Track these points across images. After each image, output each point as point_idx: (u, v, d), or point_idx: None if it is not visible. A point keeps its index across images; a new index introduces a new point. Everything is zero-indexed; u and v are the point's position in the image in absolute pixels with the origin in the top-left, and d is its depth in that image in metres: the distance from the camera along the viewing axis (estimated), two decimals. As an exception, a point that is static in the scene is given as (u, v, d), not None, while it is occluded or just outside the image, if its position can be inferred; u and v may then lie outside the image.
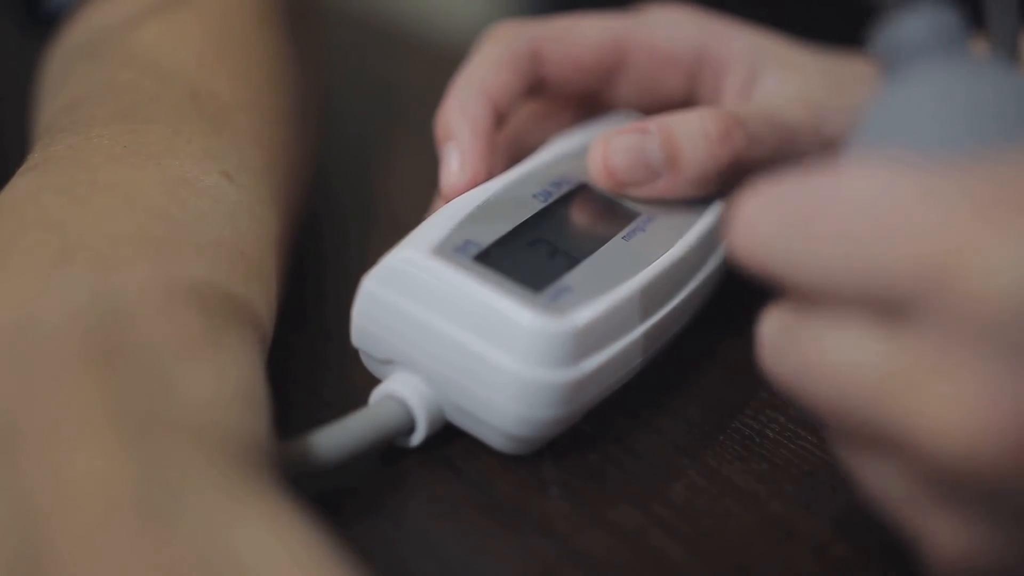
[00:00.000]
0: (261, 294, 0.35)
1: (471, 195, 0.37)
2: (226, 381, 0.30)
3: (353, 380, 0.37)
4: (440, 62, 0.50)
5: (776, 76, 0.42)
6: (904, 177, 0.25)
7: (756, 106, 0.40)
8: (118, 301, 0.30)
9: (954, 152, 0.26)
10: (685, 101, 0.44)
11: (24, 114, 0.44)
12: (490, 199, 0.37)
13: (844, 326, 0.26)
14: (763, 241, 0.27)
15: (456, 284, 0.33)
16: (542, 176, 0.38)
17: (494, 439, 0.34)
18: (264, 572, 0.25)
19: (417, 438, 0.34)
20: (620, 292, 0.34)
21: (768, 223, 0.26)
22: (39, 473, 0.26)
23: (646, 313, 0.36)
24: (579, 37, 0.42)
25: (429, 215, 0.37)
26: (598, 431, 0.36)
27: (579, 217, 0.38)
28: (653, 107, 0.43)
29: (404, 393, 0.34)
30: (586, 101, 0.44)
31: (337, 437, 0.33)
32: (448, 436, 0.35)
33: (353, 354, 0.36)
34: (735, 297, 0.41)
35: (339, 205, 0.49)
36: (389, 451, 0.35)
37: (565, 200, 0.38)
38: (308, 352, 0.39)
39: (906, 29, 0.28)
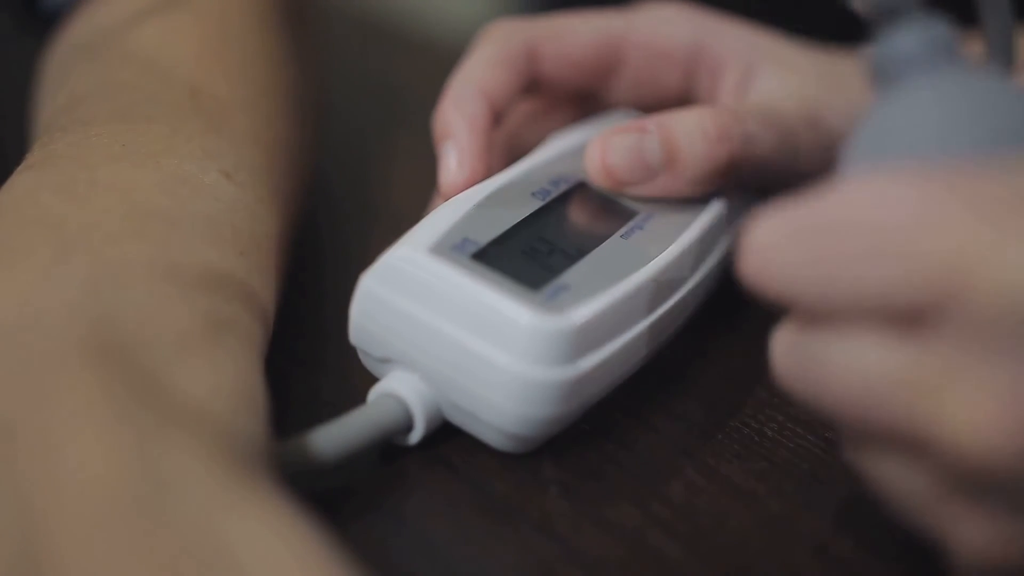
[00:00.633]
0: (262, 287, 0.35)
1: (469, 193, 0.37)
2: (224, 380, 0.30)
3: (351, 378, 0.37)
4: (439, 60, 0.50)
5: (773, 74, 0.42)
6: (909, 188, 0.25)
7: (754, 104, 0.40)
8: (116, 299, 0.30)
9: (952, 161, 0.26)
10: (682, 98, 0.44)
11: (23, 113, 0.44)
12: (488, 197, 0.37)
13: (861, 339, 0.26)
14: (777, 267, 0.27)
15: (454, 282, 0.33)
16: (540, 174, 0.38)
17: (492, 438, 0.34)
18: (262, 570, 0.25)
19: (415, 436, 0.34)
20: (618, 290, 0.34)
21: (781, 249, 0.27)
22: (37, 471, 0.26)
23: (644, 311, 0.36)
24: (575, 35, 0.42)
25: (428, 213, 0.37)
26: (597, 430, 0.36)
27: (577, 215, 0.38)
28: (650, 105, 0.43)
29: (402, 391, 0.34)
30: (583, 99, 0.44)
31: (335, 435, 0.33)
32: (446, 435, 0.35)
33: (351, 352, 0.36)
34: (734, 295, 0.41)
35: (338, 204, 0.49)
36: (387, 449, 0.35)
37: (563, 198, 0.38)
38: (306, 350, 0.39)
39: (897, 44, 0.28)
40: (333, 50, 0.60)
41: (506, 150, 0.42)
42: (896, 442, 0.27)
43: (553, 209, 0.37)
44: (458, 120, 0.39)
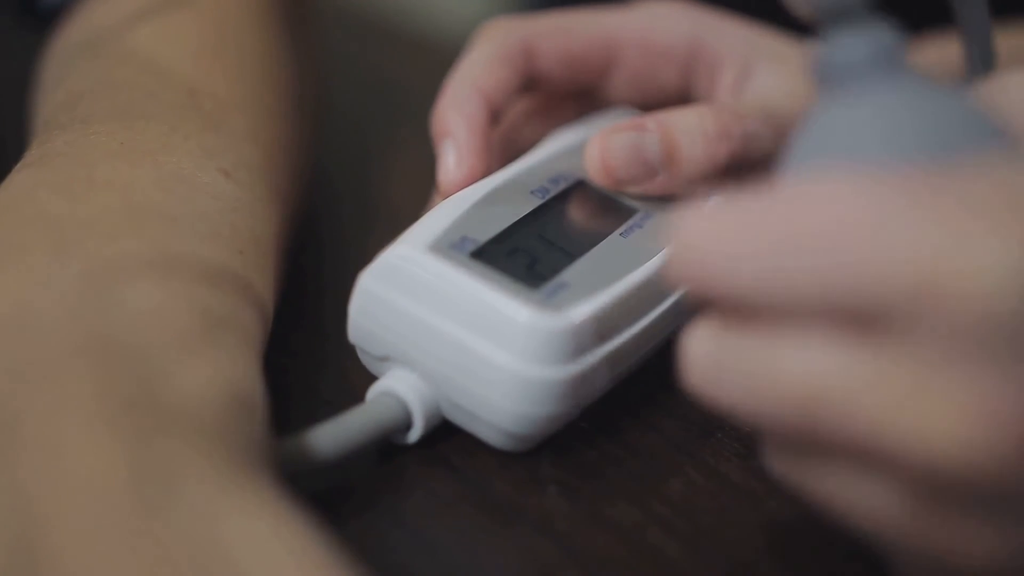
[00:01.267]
0: (261, 285, 0.35)
1: (468, 192, 0.37)
2: (222, 378, 0.30)
3: (350, 377, 0.37)
4: (438, 59, 0.50)
5: (771, 71, 0.42)
6: (865, 187, 0.24)
7: (753, 102, 0.40)
8: (115, 297, 0.30)
9: (899, 166, 0.26)
10: (680, 96, 0.44)
11: (22, 110, 0.44)
12: (487, 196, 0.37)
13: (808, 341, 0.25)
14: (734, 264, 0.25)
15: (453, 281, 0.33)
16: (539, 173, 0.38)
17: (491, 436, 0.34)
18: (260, 569, 0.25)
19: (414, 435, 0.34)
20: (617, 289, 0.34)
21: (740, 245, 0.25)
22: (35, 469, 0.26)
23: (643, 310, 0.35)
24: (572, 32, 0.42)
25: (427, 212, 0.37)
26: (596, 428, 0.36)
27: (576, 214, 0.38)
28: (648, 102, 0.43)
29: (401, 390, 0.34)
30: (580, 97, 0.44)
31: (334, 434, 0.33)
32: (445, 433, 0.35)
33: (350, 351, 0.36)
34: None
35: (337, 202, 0.49)
36: (386, 448, 0.35)
37: (562, 197, 0.38)
38: (305, 349, 0.39)
39: (843, 48, 0.28)
40: (332, 48, 0.60)
41: (504, 148, 0.42)
42: (849, 453, 0.25)
43: (552, 207, 0.37)
44: (456, 119, 0.39)
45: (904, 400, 0.24)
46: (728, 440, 0.36)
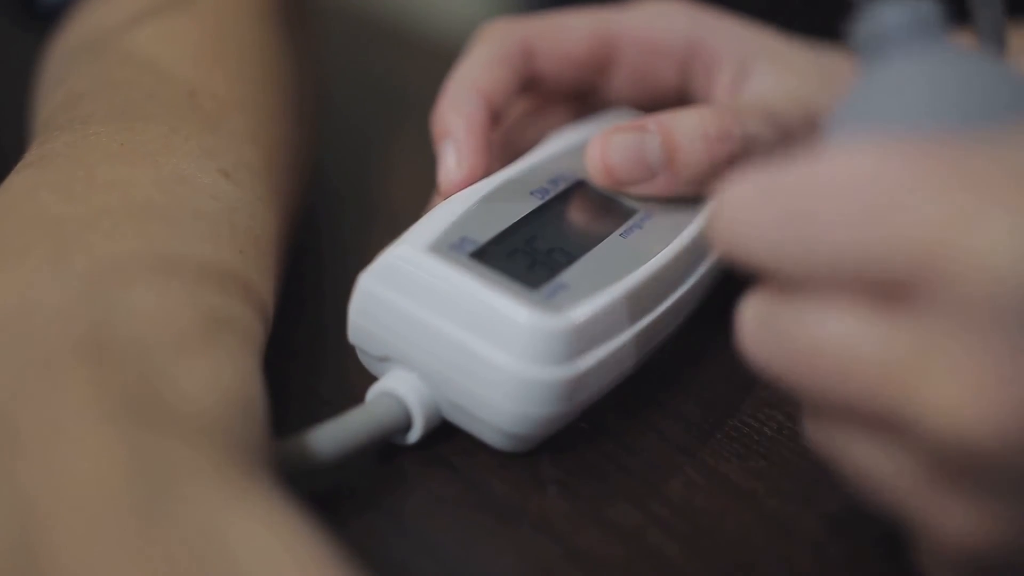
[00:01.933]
0: (261, 285, 0.35)
1: (468, 192, 0.37)
2: (222, 378, 0.30)
3: (350, 377, 0.37)
4: (438, 59, 0.50)
5: (769, 70, 0.41)
6: (894, 157, 0.25)
7: (753, 103, 0.40)
8: (115, 298, 0.30)
9: (937, 133, 0.26)
10: (678, 94, 0.44)
11: (22, 110, 0.44)
12: (487, 196, 0.37)
13: (838, 311, 0.25)
14: (753, 231, 0.26)
15: (452, 281, 0.33)
16: (539, 173, 0.38)
17: (491, 437, 0.34)
18: (260, 569, 0.25)
19: (414, 436, 0.34)
20: (617, 289, 0.34)
21: (757, 212, 0.26)
22: (35, 469, 0.26)
23: (643, 310, 0.35)
24: (570, 32, 0.42)
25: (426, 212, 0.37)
26: (596, 429, 0.36)
27: (576, 214, 0.38)
28: (646, 100, 0.43)
29: (401, 390, 0.34)
30: (579, 97, 0.44)
31: (334, 435, 0.33)
32: (445, 434, 0.35)
33: (350, 351, 0.36)
34: (732, 294, 0.41)
35: (337, 203, 0.49)
36: (386, 449, 0.35)
37: (562, 197, 0.38)
38: (305, 349, 0.39)
39: (884, 19, 0.28)
40: (332, 49, 0.60)
41: (504, 149, 0.42)
42: (870, 422, 0.26)
43: (552, 208, 0.37)
44: (456, 119, 0.39)
45: (918, 370, 0.24)
46: (728, 441, 0.36)
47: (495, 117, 0.40)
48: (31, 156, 0.35)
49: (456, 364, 0.33)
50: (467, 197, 0.36)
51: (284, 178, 0.40)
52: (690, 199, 0.39)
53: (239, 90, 0.40)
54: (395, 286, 0.34)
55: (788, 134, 0.39)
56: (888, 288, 0.24)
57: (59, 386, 0.27)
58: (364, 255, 0.36)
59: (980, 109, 0.27)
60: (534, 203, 0.37)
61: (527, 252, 0.35)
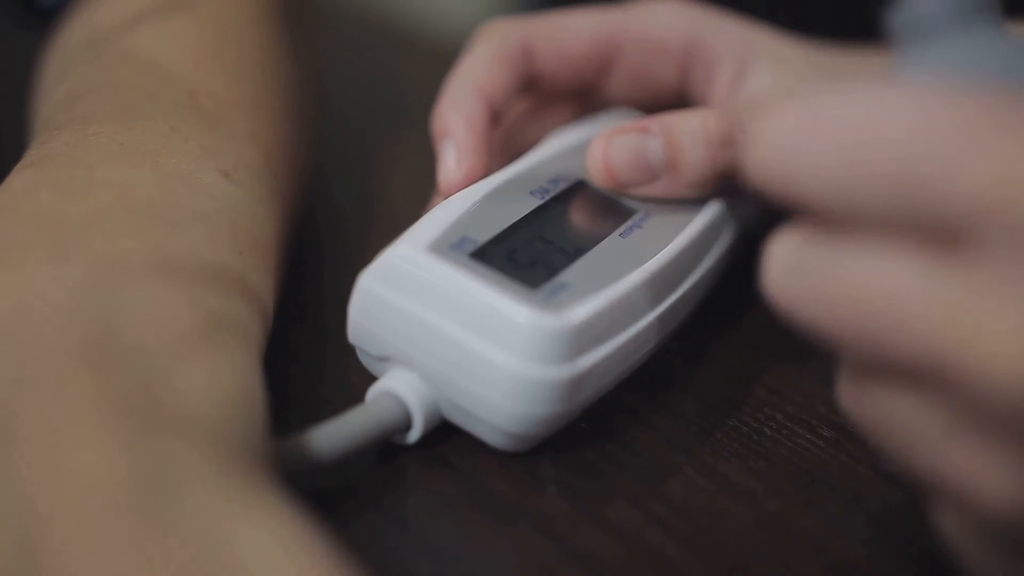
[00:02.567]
0: (261, 285, 0.35)
1: (468, 192, 0.37)
2: (222, 379, 0.30)
3: (350, 377, 0.37)
4: (438, 59, 0.50)
5: (768, 70, 0.42)
6: (960, 101, 0.24)
7: (754, 104, 0.40)
8: (115, 298, 0.30)
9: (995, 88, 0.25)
10: (678, 93, 0.44)
11: (22, 110, 0.44)
12: (487, 196, 0.37)
13: (886, 251, 0.24)
14: (806, 158, 0.25)
15: (452, 281, 0.33)
16: (539, 173, 0.38)
17: (491, 436, 0.34)
18: (260, 569, 0.25)
19: (414, 435, 0.34)
20: (617, 289, 0.34)
21: (812, 138, 0.25)
22: (35, 469, 0.26)
23: (643, 310, 0.35)
24: (570, 31, 0.42)
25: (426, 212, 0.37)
26: (595, 428, 0.36)
27: (576, 214, 0.38)
28: (646, 100, 0.43)
29: (401, 390, 0.34)
30: (579, 96, 0.44)
31: (334, 434, 0.33)
32: (445, 433, 0.35)
33: (350, 351, 0.36)
34: (732, 294, 0.41)
35: (337, 202, 0.49)
36: (386, 448, 0.35)
37: (562, 197, 0.38)
38: (305, 349, 0.39)
39: (924, 3, 0.28)
40: (332, 49, 0.60)
41: (504, 148, 0.42)
42: (910, 373, 0.25)
43: (552, 208, 0.37)
44: (456, 118, 0.39)
45: (972, 318, 0.23)
46: (727, 440, 0.36)
47: (495, 117, 0.40)
48: (31, 156, 0.35)
49: (456, 364, 0.33)
50: (467, 197, 0.37)
51: (284, 178, 0.40)
52: (690, 199, 0.39)
53: (239, 90, 0.40)
54: (395, 286, 0.34)
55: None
56: (945, 232, 0.24)
57: (59, 386, 0.27)
58: (364, 255, 0.36)
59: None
60: (534, 203, 0.37)
61: (527, 252, 0.35)
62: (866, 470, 0.35)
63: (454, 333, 0.33)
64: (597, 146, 0.38)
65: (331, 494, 0.33)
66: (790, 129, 0.25)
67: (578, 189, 0.38)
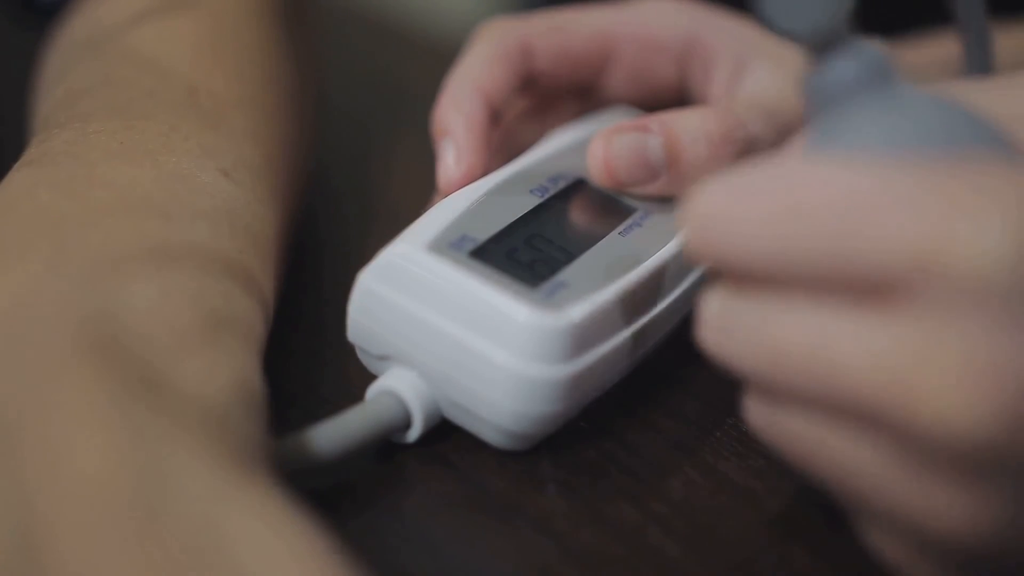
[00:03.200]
0: (261, 284, 0.35)
1: (468, 191, 0.37)
2: (222, 376, 0.30)
3: (349, 376, 0.37)
4: (438, 58, 0.50)
5: (766, 68, 0.42)
6: (874, 165, 0.25)
7: (749, 100, 0.40)
8: (114, 296, 0.30)
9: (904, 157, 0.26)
10: (676, 91, 0.44)
11: (22, 108, 0.44)
12: (486, 194, 0.37)
13: (818, 307, 0.26)
14: (735, 227, 0.26)
15: (452, 279, 0.33)
16: (539, 172, 0.38)
17: (490, 435, 0.34)
18: (260, 568, 0.25)
19: (413, 434, 0.34)
20: (616, 288, 0.34)
21: (741, 209, 0.26)
22: (36, 466, 0.26)
23: (642, 308, 0.35)
24: (569, 30, 0.42)
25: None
26: (595, 427, 0.36)
27: (576, 213, 0.38)
28: (645, 98, 0.43)
29: (400, 389, 0.34)
30: (578, 95, 0.44)
31: (333, 433, 0.33)
32: (444, 432, 0.35)
33: (350, 350, 0.36)
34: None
35: (337, 201, 0.49)
36: (385, 447, 0.35)
37: (562, 196, 0.38)
38: (305, 348, 0.39)
39: (834, 72, 0.28)
40: (332, 47, 0.60)
41: (503, 147, 0.42)
42: (835, 413, 0.26)
43: (551, 206, 0.37)
44: (455, 117, 0.39)
45: (904, 364, 0.24)
46: (727, 439, 0.36)
47: (495, 116, 0.40)
48: (31, 154, 0.35)
49: (455, 362, 0.33)
50: (466, 195, 0.37)
51: (284, 177, 0.40)
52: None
53: (239, 89, 0.40)
54: (395, 284, 0.34)
55: (786, 133, 0.39)
56: (874, 286, 0.25)
57: (59, 383, 0.27)
58: (364, 254, 0.36)
59: (941, 145, 0.27)
60: (533, 201, 0.37)
61: (526, 250, 0.35)
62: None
63: (453, 332, 0.33)
64: (597, 144, 0.38)
65: (331, 492, 0.33)
66: (720, 201, 0.27)
67: (578, 187, 0.38)
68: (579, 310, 0.33)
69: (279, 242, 0.38)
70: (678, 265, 0.37)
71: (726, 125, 0.38)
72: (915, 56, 0.46)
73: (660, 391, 0.38)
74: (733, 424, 0.37)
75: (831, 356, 0.25)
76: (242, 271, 0.34)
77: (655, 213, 0.38)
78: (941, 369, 0.24)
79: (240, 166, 0.37)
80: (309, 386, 0.38)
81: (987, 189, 0.25)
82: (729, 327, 0.28)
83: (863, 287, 0.25)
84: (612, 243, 0.36)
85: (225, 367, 0.30)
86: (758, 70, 0.42)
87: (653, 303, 0.36)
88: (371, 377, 0.36)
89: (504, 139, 0.43)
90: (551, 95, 0.44)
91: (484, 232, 0.35)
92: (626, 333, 0.35)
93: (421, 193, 0.42)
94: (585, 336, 0.33)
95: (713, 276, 0.28)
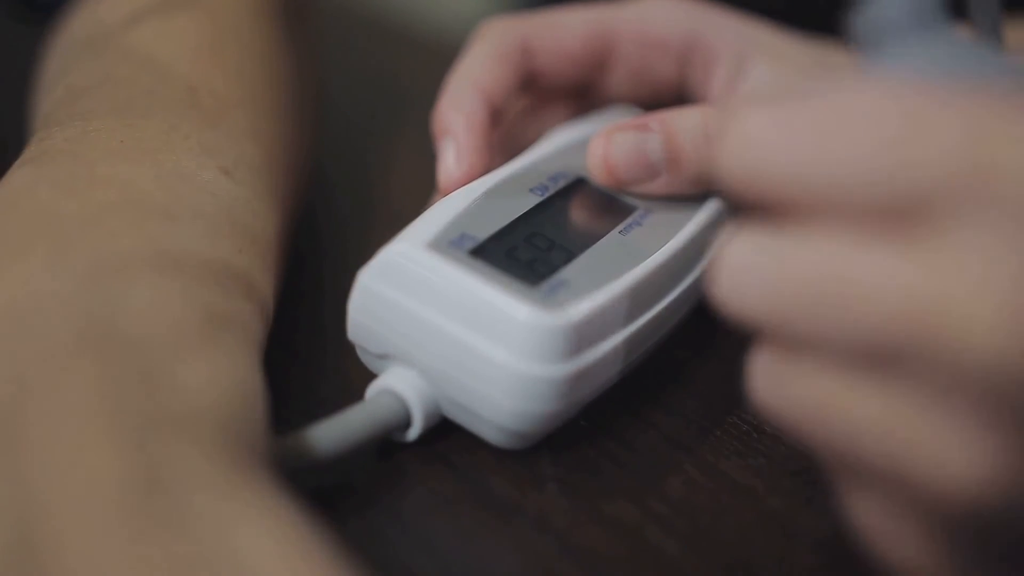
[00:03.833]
0: (261, 283, 0.35)
1: (468, 189, 0.37)
2: (222, 375, 0.30)
3: (349, 375, 0.37)
4: (439, 57, 0.50)
5: (768, 67, 0.42)
6: (917, 87, 0.24)
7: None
8: (115, 295, 0.30)
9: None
10: (676, 90, 0.44)
11: (22, 106, 0.44)
12: (486, 193, 0.37)
13: (849, 240, 0.24)
14: (767, 154, 0.25)
15: (452, 278, 0.33)
16: (539, 170, 0.38)
17: (490, 434, 0.34)
18: (260, 566, 0.25)
19: (413, 433, 0.34)
20: (617, 286, 0.34)
21: (774, 135, 0.25)
22: (37, 466, 0.26)
23: (643, 307, 0.35)
24: (569, 29, 0.42)
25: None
26: (595, 426, 0.36)
27: (576, 211, 0.38)
28: (645, 97, 0.43)
29: (400, 388, 0.34)
30: (578, 94, 0.44)
31: (333, 432, 0.33)
32: (444, 431, 0.35)
33: (349, 349, 0.36)
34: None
35: (337, 200, 0.49)
36: (385, 446, 0.35)
37: (562, 194, 0.38)
38: (305, 347, 0.39)
39: (884, 8, 0.28)
40: (332, 47, 0.60)
41: (503, 146, 0.42)
42: (875, 361, 0.25)
43: (551, 205, 0.37)
44: (456, 116, 0.39)
45: (943, 289, 0.23)
46: (727, 438, 0.36)
47: (495, 115, 0.40)
48: (30, 152, 0.35)
49: (455, 361, 0.33)
50: (466, 194, 0.36)
51: (284, 176, 0.40)
52: (690, 196, 0.39)
53: (239, 88, 0.40)
54: (394, 283, 0.34)
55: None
56: (907, 214, 0.24)
57: (60, 382, 0.27)
58: (364, 253, 0.36)
59: (988, 80, 0.27)
60: (533, 200, 0.37)
61: (526, 249, 0.35)
62: (866, 468, 0.35)
63: (453, 330, 0.33)
64: (597, 143, 0.38)
65: (330, 491, 0.33)
66: (762, 121, 0.25)
67: (578, 186, 0.38)
68: (579, 309, 0.33)
69: (279, 241, 0.38)
70: (679, 263, 0.37)
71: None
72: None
73: (660, 389, 0.38)
74: (733, 423, 0.37)
75: (855, 288, 0.24)
76: (242, 271, 0.34)
77: (655, 212, 0.38)
78: (981, 290, 0.23)
79: (240, 165, 0.37)
80: (309, 385, 0.38)
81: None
82: (751, 266, 0.26)
83: (900, 207, 0.24)
84: (612, 242, 0.36)
85: (225, 367, 0.30)
86: (758, 68, 0.42)
87: (653, 302, 0.36)
88: (371, 376, 0.36)
89: (504, 138, 0.43)
90: (551, 95, 0.44)
91: (484, 231, 0.35)
92: (626, 332, 0.35)
93: (421, 193, 0.42)
94: (585, 335, 0.33)
95: (742, 222, 0.27)
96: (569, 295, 0.33)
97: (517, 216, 0.36)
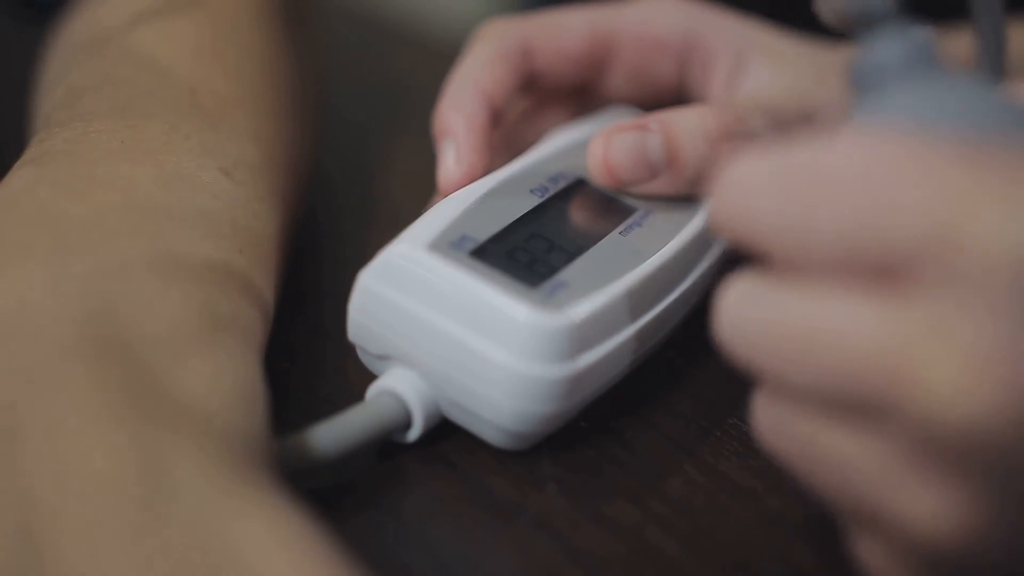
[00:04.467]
0: (261, 283, 0.35)
1: (468, 190, 0.37)
2: (223, 376, 0.30)
3: (350, 376, 0.37)
4: (439, 58, 0.50)
5: (765, 66, 0.42)
6: (898, 142, 0.25)
7: (754, 101, 0.40)
8: (115, 295, 0.30)
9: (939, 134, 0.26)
10: (676, 90, 0.44)
11: (22, 107, 0.44)
12: (487, 194, 0.37)
13: (833, 293, 0.25)
14: (759, 205, 0.26)
15: (452, 279, 0.33)
16: (539, 171, 0.38)
17: (491, 435, 0.34)
18: (261, 567, 0.25)
19: (413, 434, 0.34)
20: (617, 287, 0.34)
21: (765, 188, 0.26)
22: (38, 466, 0.26)
23: (643, 308, 0.35)
24: (568, 29, 0.42)
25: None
26: (595, 427, 0.36)
27: (576, 212, 0.38)
28: (645, 96, 0.43)
29: (400, 389, 0.34)
30: (578, 94, 0.44)
31: (334, 433, 0.33)
32: (445, 432, 0.35)
33: (350, 350, 0.36)
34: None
35: (337, 201, 0.49)
36: (385, 447, 0.35)
37: (562, 195, 0.38)
38: (305, 348, 0.39)
39: (878, 52, 0.28)
40: (333, 47, 0.60)
41: (503, 147, 0.42)
42: (850, 408, 0.25)
43: (552, 206, 0.37)
44: (456, 118, 0.39)
45: (914, 351, 0.24)
46: (727, 439, 0.36)
47: (496, 116, 0.40)
48: (31, 153, 0.35)
49: (456, 362, 0.33)
50: (467, 195, 0.37)
51: (284, 176, 0.40)
52: (690, 197, 0.39)
53: (239, 88, 0.40)
54: (395, 284, 0.34)
55: (788, 131, 0.39)
56: (890, 271, 0.24)
57: (61, 382, 0.27)
58: (364, 253, 0.36)
59: (980, 132, 0.27)
60: (534, 201, 0.37)
61: (527, 250, 0.35)
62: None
63: (454, 331, 0.33)
64: (597, 144, 0.38)
65: (331, 492, 0.33)
66: (749, 171, 0.26)
67: (578, 187, 0.38)
68: (579, 310, 0.33)
69: (280, 241, 0.38)
70: (679, 264, 0.37)
71: (725, 123, 0.38)
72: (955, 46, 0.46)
73: (661, 390, 0.38)
74: (733, 424, 0.37)
75: (836, 341, 0.25)
76: (242, 271, 0.34)
77: (655, 212, 0.38)
78: (947, 353, 0.23)
79: (241, 165, 0.37)
80: (309, 386, 0.38)
81: (1009, 173, 0.24)
82: (745, 316, 0.27)
83: (878, 265, 0.24)
84: (612, 243, 0.36)
85: (225, 367, 0.30)
86: (758, 68, 0.42)
87: (654, 302, 0.36)
88: (371, 377, 0.36)
89: (504, 139, 0.43)
90: (551, 95, 0.44)
91: (484, 232, 0.35)
92: (626, 333, 0.35)
93: (421, 193, 0.42)
94: (585, 336, 0.33)
95: (734, 266, 0.28)
96: (569, 296, 0.33)
97: (517, 217, 0.36)
